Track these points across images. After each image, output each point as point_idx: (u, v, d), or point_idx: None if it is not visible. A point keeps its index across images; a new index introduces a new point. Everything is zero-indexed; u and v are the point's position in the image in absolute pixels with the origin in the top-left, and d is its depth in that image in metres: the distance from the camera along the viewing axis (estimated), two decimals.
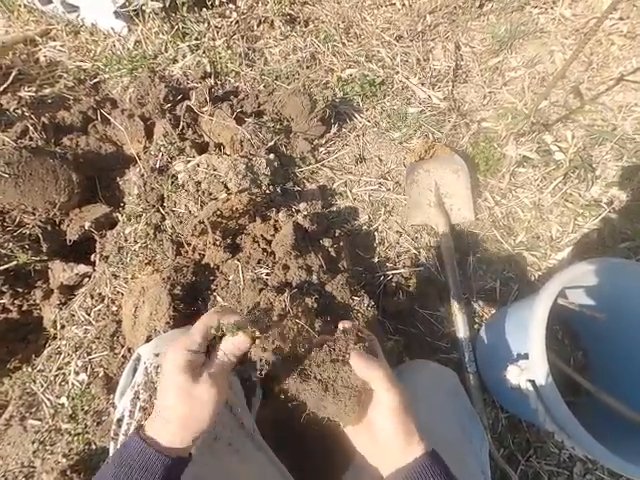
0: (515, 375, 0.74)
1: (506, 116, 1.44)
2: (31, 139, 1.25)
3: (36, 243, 1.18)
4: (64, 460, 0.93)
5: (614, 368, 0.96)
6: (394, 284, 1.11)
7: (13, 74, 1.35)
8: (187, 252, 1.10)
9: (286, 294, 0.85)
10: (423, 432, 0.49)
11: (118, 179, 1.28)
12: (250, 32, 1.57)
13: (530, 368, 0.70)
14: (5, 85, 1.34)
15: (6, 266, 1.11)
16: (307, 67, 1.50)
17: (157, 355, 0.65)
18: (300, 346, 0.75)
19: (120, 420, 0.63)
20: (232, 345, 0.49)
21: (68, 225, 1.20)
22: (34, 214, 1.18)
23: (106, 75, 1.41)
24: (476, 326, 1.12)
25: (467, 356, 1.04)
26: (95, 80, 1.44)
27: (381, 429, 0.49)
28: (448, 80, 1.55)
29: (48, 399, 1.00)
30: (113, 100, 1.46)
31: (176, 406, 0.45)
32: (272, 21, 1.59)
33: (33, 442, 0.95)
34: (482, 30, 1.69)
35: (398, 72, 1.56)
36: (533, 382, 0.69)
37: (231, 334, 0.49)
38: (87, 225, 1.11)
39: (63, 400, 1.00)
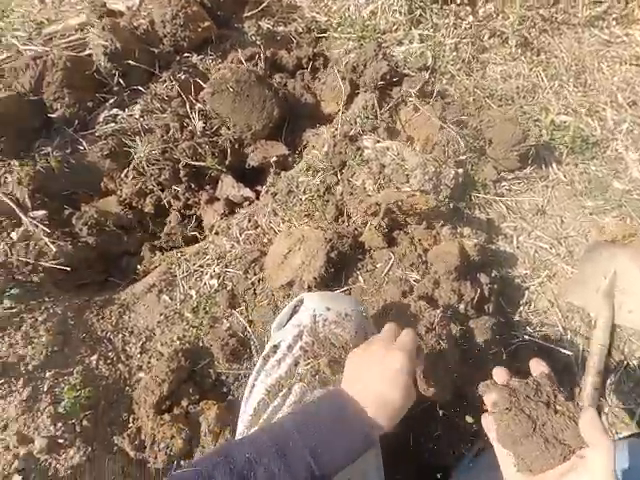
0: None
1: None
2: (256, 65, 1.38)
3: (222, 155, 1.32)
4: (177, 342, 1.04)
5: None
6: (528, 352, 1.03)
7: (263, 4, 1.49)
8: (344, 222, 1.14)
9: (439, 311, 0.83)
10: None
11: (307, 130, 1.36)
12: (479, 41, 1.52)
13: None
14: (254, 11, 1.48)
15: (196, 163, 1.26)
16: (524, 97, 1.41)
17: (328, 309, 0.68)
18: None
19: (276, 347, 0.68)
20: None
21: (252, 151, 1.32)
22: (231, 129, 1.31)
23: (334, 34, 1.48)
24: None
25: None
26: (322, 35, 1.52)
27: None
28: None
29: (183, 286, 1.13)
30: (326, 57, 1.53)
31: (399, 399, 0.54)
32: (506, 38, 1.51)
33: (161, 314, 1.09)
34: None
35: (617, 139, 1.39)
36: None
37: None
38: (274, 159, 1.20)
39: (193, 293, 1.12)
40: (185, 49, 1.37)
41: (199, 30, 1.34)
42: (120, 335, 1.04)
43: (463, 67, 1.42)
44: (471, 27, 1.53)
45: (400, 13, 1.49)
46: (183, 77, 1.33)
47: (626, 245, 1.14)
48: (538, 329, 1.07)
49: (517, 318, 1.09)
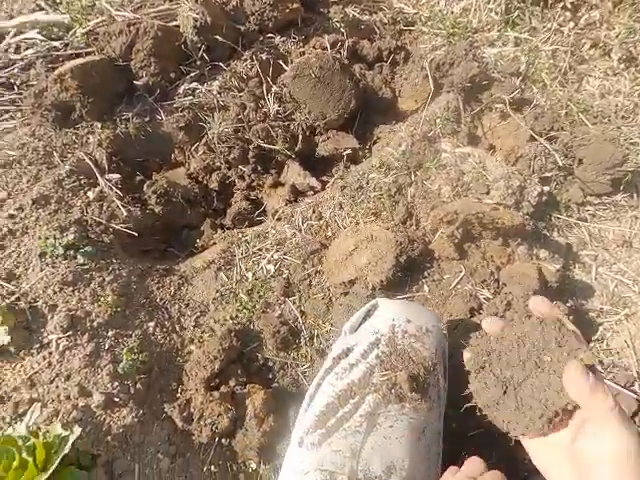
0: None
1: None
2: (338, 53, 1.34)
3: (293, 140, 1.30)
4: (230, 321, 1.05)
5: None
6: None
7: None
8: (412, 226, 1.09)
9: None
10: None
11: (380, 125, 1.31)
12: (578, 51, 1.40)
13: None
14: None
15: (266, 146, 1.25)
16: (622, 117, 1.29)
17: (409, 322, 0.65)
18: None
19: (349, 350, 0.65)
20: None
21: (323, 141, 1.29)
22: (305, 116, 1.29)
23: (423, 28, 1.42)
24: None
25: None
26: (407, 28, 1.46)
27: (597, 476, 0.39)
28: None
29: (240, 267, 1.13)
30: (408, 52, 1.47)
31: None
32: (609, 50, 1.39)
33: (217, 291, 1.10)
34: None
35: None
36: None
37: None
38: (347, 151, 1.17)
39: (249, 275, 1.12)
40: (270, 29, 1.35)
41: (287, 11, 1.32)
42: (177, 306, 1.06)
43: (559, 77, 1.32)
44: (571, 35, 1.42)
45: (496, 12, 1.40)
46: (264, 57, 1.32)
47: None
48: (609, 369, 0.99)
49: None
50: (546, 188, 1.07)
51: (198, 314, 1.06)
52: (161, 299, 1.06)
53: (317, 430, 0.57)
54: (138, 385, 0.90)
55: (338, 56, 1.27)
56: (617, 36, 1.39)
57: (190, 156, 1.32)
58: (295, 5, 1.33)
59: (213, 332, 1.03)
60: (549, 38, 1.36)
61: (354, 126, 1.36)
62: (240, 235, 1.18)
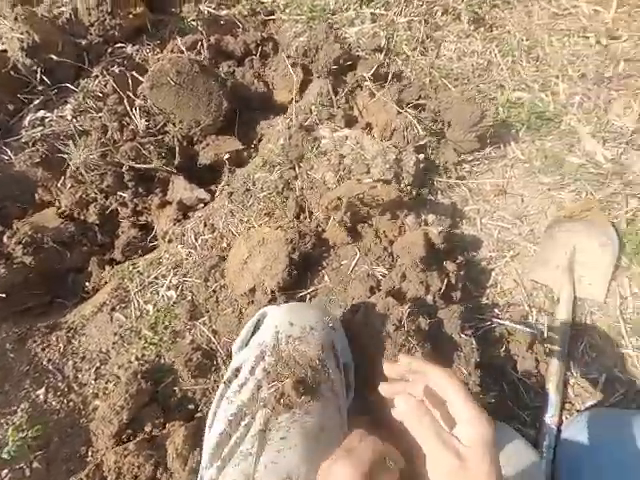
0: None
1: None
2: (199, 54, 1.27)
3: (170, 154, 1.22)
4: (136, 362, 0.97)
5: None
6: (497, 334, 1.03)
7: None
8: (306, 219, 1.08)
9: (406, 307, 0.80)
10: None
11: (261, 122, 1.28)
12: (432, 19, 1.47)
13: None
14: None
15: (141, 166, 1.16)
16: (479, 75, 1.39)
17: (292, 325, 0.63)
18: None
19: (238, 370, 0.62)
20: None
21: (203, 148, 1.22)
22: (177, 126, 1.21)
23: (283, 16, 1.39)
24: (565, 412, 1.02)
25: (547, 440, 0.95)
26: (269, 17, 1.42)
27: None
28: (622, 142, 1.38)
29: (138, 301, 1.05)
30: (276, 42, 1.44)
31: None
32: (459, 14, 1.48)
33: (115, 334, 1.00)
34: None
35: (570, 113, 1.40)
36: None
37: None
38: (226, 156, 1.12)
39: (149, 307, 1.05)
40: (117, 39, 1.24)
41: (131, 17, 1.21)
42: (70, 362, 0.95)
43: (418, 47, 1.38)
44: (423, 4, 1.48)
45: None
46: (118, 70, 1.21)
47: (583, 220, 1.16)
48: (505, 310, 1.08)
49: (485, 301, 1.09)
50: (421, 156, 1.12)
51: (98, 365, 0.96)
52: (49, 360, 0.94)
53: (213, 464, 0.54)
54: (35, 464, 0.80)
55: (197, 58, 1.20)
56: (463, 0, 1.48)
57: (58, 193, 1.18)
58: (139, 9, 1.23)
59: (119, 379, 0.95)
60: (402, 10, 1.41)
61: (235, 127, 1.31)
62: (131, 267, 1.09)
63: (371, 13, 1.37)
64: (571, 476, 0.91)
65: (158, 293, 1.06)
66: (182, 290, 1.06)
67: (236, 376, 0.61)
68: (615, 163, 1.34)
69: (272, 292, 0.89)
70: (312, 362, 0.59)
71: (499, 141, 1.31)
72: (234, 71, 1.33)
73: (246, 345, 0.66)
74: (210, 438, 0.57)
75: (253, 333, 0.68)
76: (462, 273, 1.01)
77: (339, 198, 0.95)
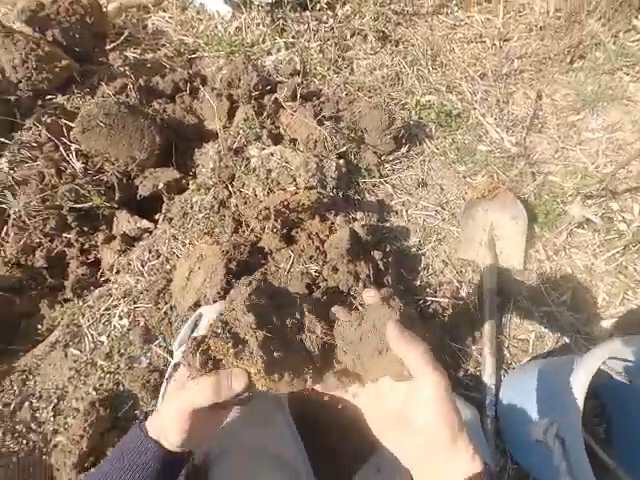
0: (542, 430, 0.75)
1: (575, 175, 1.43)
2: (127, 96, 1.36)
3: (110, 191, 1.27)
4: (94, 393, 0.99)
5: (636, 446, 0.94)
6: (431, 311, 1.13)
7: (124, 35, 1.47)
8: (244, 232, 1.16)
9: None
10: None
11: (196, 150, 1.36)
12: (343, 41, 1.63)
13: (563, 427, 0.71)
14: (116, 43, 1.46)
15: (82, 205, 1.21)
16: (390, 85, 1.54)
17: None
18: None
19: (177, 365, 0.68)
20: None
21: (141, 182, 1.29)
22: (114, 164, 1.27)
23: (205, 53, 1.51)
24: (502, 372, 1.12)
25: (489, 399, 1.04)
26: (193, 55, 1.54)
27: (420, 419, 0.42)
28: (523, 127, 1.56)
29: (91, 334, 1.08)
30: (204, 77, 1.55)
31: None
32: (366, 35, 1.65)
33: (70, 369, 1.03)
34: (568, 85, 1.69)
35: (476, 108, 1.58)
36: (562, 440, 0.69)
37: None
38: (161, 186, 1.19)
39: (103, 339, 1.08)
40: (47, 91, 1.31)
41: (57, 70, 1.29)
42: (26, 403, 0.96)
43: (331, 67, 1.53)
44: (333, 29, 1.65)
45: (264, 25, 1.55)
46: (50, 120, 1.27)
47: (494, 198, 1.30)
48: (437, 288, 1.19)
49: (419, 283, 1.19)
50: (341, 161, 1.24)
51: (55, 401, 0.98)
52: (5, 405, 0.95)
53: None
54: None
55: (123, 99, 1.29)
56: (368, 22, 1.66)
57: (2, 242, 1.21)
58: (64, 62, 1.30)
59: (77, 412, 0.97)
60: (312, 36, 1.56)
61: (172, 158, 1.39)
62: (81, 303, 1.12)
63: (284, 42, 1.51)
64: (510, 429, 1.00)
65: (110, 323, 1.09)
66: (134, 317, 1.10)
67: (175, 370, 0.67)
68: (520, 146, 1.51)
69: (214, 302, 0.96)
70: None
71: (415, 140, 1.45)
72: (165, 108, 1.42)
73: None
74: None
75: (192, 333, 0.74)
76: (391, 260, 1.11)
77: (266, 208, 1.04)
